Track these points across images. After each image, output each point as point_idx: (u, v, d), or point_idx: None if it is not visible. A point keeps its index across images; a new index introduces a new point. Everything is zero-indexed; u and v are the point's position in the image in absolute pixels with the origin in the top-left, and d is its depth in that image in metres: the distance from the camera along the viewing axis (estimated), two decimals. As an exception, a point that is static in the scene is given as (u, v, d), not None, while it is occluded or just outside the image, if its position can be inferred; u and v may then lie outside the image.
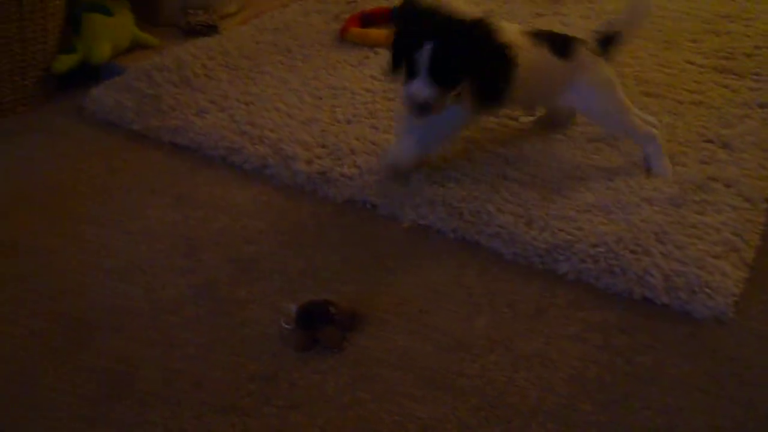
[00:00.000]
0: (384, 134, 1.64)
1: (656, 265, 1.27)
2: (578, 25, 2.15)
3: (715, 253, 1.30)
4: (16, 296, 1.31)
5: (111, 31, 2.03)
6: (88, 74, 2.02)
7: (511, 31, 1.39)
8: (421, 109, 1.34)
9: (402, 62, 1.36)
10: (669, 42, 2.05)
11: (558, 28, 2.13)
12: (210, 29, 2.19)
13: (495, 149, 1.58)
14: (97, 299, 1.29)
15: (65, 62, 1.97)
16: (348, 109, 1.74)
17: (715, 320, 1.22)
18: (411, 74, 1.34)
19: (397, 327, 1.20)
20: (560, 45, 1.44)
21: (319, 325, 1.15)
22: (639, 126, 1.51)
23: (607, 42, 1.48)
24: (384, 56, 2.00)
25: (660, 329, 1.20)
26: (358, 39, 2.07)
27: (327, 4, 2.34)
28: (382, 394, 1.09)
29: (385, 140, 1.61)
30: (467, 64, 1.32)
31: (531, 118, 1.66)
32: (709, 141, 1.62)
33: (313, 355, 1.15)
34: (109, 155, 1.71)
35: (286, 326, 1.18)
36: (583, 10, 2.26)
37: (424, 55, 1.30)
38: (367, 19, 2.17)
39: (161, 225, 1.46)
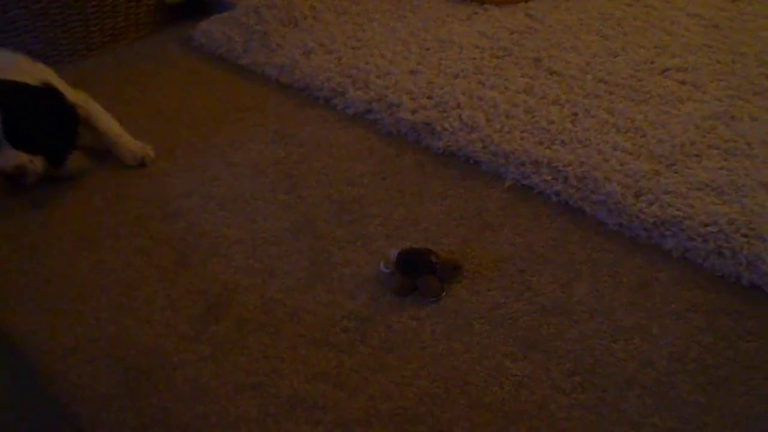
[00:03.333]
0: (490, 91, 1.61)
1: (769, 251, 1.22)
2: (701, 0, 2.06)
3: (832, 246, 1.24)
4: (126, 215, 1.35)
5: (225, -35, 2.05)
6: (199, 7, 2.05)
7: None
8: (19, 178, 1.33)
9: None
10: (795, 24, 1.94)
11: (679, 1, 2.05)
12: (319, -28, 2.18)
13: (605, 117, 1.53)
14: (201, 224, 1.32)
15: (178, -7, 2.00)
16: (455, 63, 1.72)
17: (825, 314, 1.17)
18: None
19: (496, 283, 1.19)
20: None
21: (419, 273, 1.15)
22: None
23: None
24: (491, 13, 1.96)
25: (766, 317, 1.16)
26: (468, -6, 2.02)
27: (438, -43, 2.30)
28: (476, 347, 1.09)
29: (491, 97, 1.58)
30: (41, 125, 1.33)
31: None
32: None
33: (411, 302, 1.16)
34: (216, 87, 1.74)
35: (385, 270, 1.19)
36: None
37: None
38: (479, -25, 2.12)
39: (264, 159, 1.48)
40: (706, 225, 1.26)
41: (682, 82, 1.67)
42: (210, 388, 1.04)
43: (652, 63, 1.74)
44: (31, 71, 1.41)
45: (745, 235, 1.25)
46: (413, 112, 1.54)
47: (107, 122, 1.48)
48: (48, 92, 1.38)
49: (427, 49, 1.78)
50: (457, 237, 1.28)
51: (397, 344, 1.09)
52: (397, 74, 1.67)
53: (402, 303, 1.16)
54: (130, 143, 1.47)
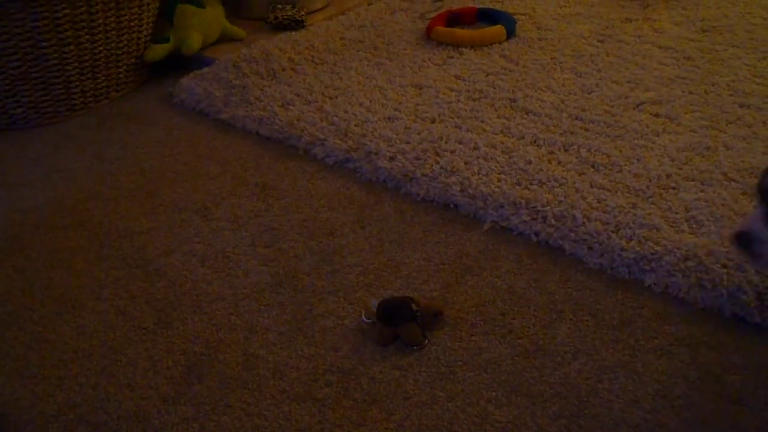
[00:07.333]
0: (467, 133, 1.63)
1: (749, 282, 1.22)
2: (672, 32, 2.09)
3: (813, 273, 1.24)
4: (107, 276, 1.35)
5: (202, 22, 2.09)
6: (178, 64, 2.08)
7: None
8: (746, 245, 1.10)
9: None
10: (766, 52, 1.97)
11: (650, 35, 2.08)
12: (297, 24, 2.22)
13: (581, 154, 1.55)
14: (182, 282, 1.32)
15: (158, 52, 2.02)
16: (432, 108, 1.74)
17: (810, 343, 1.16)
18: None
19: (478, 328, 1.19)
20: None
21: (400, 322, 1.15)
22: None
23: None
24: (467, 56, 1.99)
25: (751, 349, 1.15)
26: (443, 38, 2.06)
27: (413, 3, 2.34)
28: (460, 394, 1.08)
29: (468, 140, 1.60)
30: None
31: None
32: (809, 156, 1.55)
33: (393, 351, 1.15)
34: (197, 143, 1.75)
35: (367, 320, 1.19)
36: (675, 16, 2.19)
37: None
38: (453, 19, 2.16)
39: (245, 213, 1.48)
40: (686, 259, 1.26)
41: (657, 115, 1.69)
42: (193, 451, 1.03)
43: (626, 98, 1.76)
44: None
45: (724, 266, 1.25)
46: (391, 159, 1.56)
47: None
48: None
49: (404, 95, 1.80)
50: (438, 283, 1.28)
51: (380, 396, 1.08)
52: (375, 121, 1.69)
53: (384, 353, 1.15)
54: None
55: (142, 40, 2.01)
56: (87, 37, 1.86)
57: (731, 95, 1.77)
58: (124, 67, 1.99)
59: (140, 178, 1.63)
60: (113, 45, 1.93)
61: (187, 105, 1.90)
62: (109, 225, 1.49)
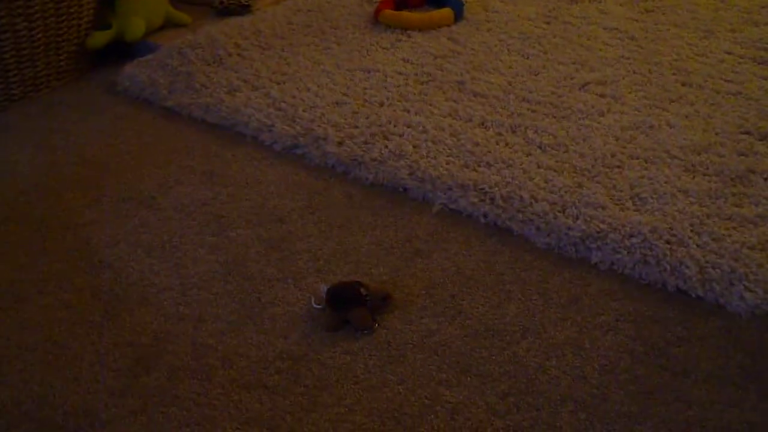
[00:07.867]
0: (416, 116, 1.63)
1: (691, 256, 1.25)
2: (616, 13, 2.12)
3: (751, 245, 1.27)
4: (51, 269, 1.32)
5: (145, 8, 2.04)
6: (122, 51, 2.03)
7: None
8: None
9: None
10: (707, 31, 2.01)
11: (595, 16, 2.10)
12: (243, 9, 2.18)
13: (528, 136, 1.56)
14: (129, 273, 1.30)
15: (100, 38, 1.97)
16: (380, 92, 1.73)
17: (749, 313, 1.20)
18: None
19: (428, 311, 1.19)
20: None
21: (350, 307, 1.15)
22: None
23: None
24: (415, 39, 1.98)
25: (694, 321, 1.18)
26: (391, 21, 2.05)
27: (360, -14, 2.32)
28: (411, 376, 1.09)
29: (417, 123, 1.60)
30: None
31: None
32: (747, 133, 1.58)
33: (343, 336, 1.15)
34: (142, 131, 1.72)
35: (317, 306, 1.18)
36: (620, -3, 2.22)
37: None
38: (402, 2, 2.15)
39: (192, 201, 1.46)
40: (631, 236, 1.29)
41: (602, 95, 1.71)
42: (142, 443, 1.02)
43: (571, 78, 1.78)
44: None
45: (668, 242, 1.28)
46: (339, 144, 1.55)
47: None
48: None
49: (352, 80, 1.79)
50: (387, 267, 1.28)
51: (330, 381, 1.08)
52: (323, 107, 1.67)
53: (335, 338, 1.15)
54: None
55: (83, 26, 1.96)
56: (24, 24, 1.80)
57: (674, 74, 1.80)
58: (65, 55, 1.93)
59: (83, 168, 1.59)
60: (53, 32, 1.87)
61: (131, 93, 1.86)
62: (52, 217, 1.45)
